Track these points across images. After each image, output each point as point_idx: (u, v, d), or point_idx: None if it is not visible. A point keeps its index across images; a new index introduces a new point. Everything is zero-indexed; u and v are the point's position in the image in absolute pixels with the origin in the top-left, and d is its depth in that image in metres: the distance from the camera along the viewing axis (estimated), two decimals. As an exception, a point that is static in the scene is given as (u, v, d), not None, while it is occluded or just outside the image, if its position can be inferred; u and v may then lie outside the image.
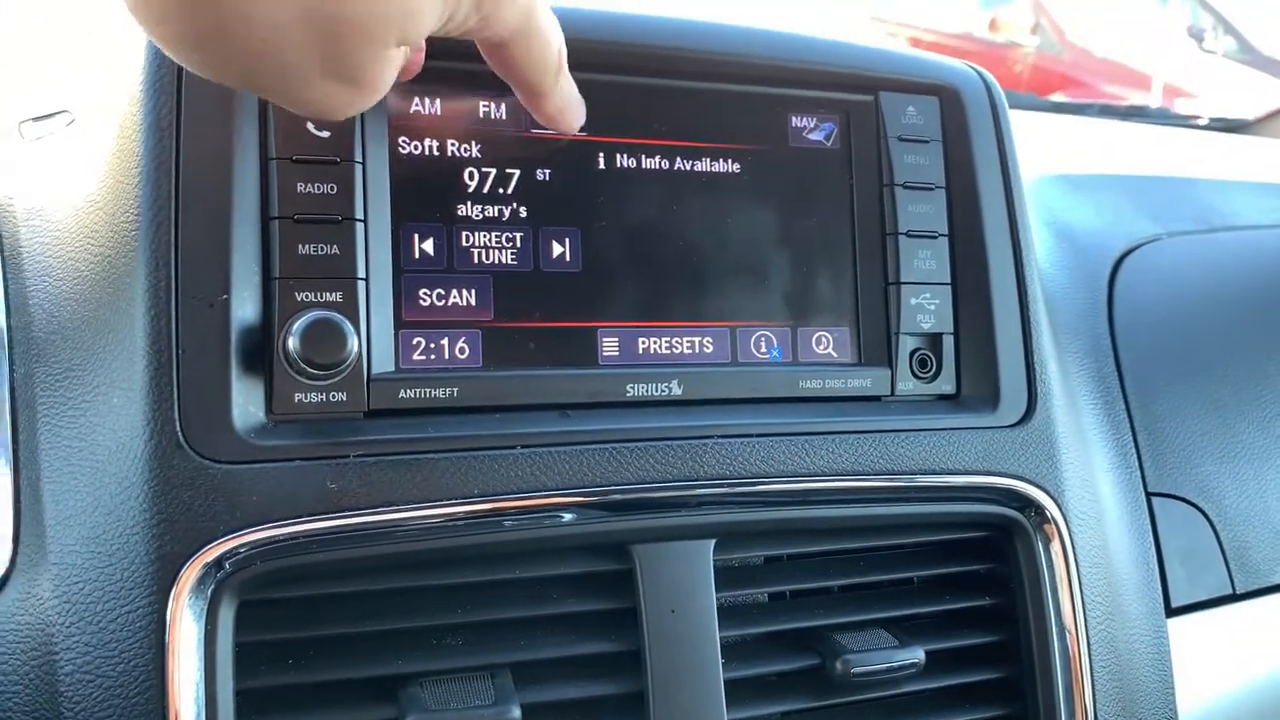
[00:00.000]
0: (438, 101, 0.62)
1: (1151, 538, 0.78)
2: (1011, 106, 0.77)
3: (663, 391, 0.63)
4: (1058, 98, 5.41)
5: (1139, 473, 0.79)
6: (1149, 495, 0.79)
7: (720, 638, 0.62)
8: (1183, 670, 0.75)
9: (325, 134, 0.58)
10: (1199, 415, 0.84)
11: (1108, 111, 1.65)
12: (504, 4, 0.47)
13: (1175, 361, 0.85)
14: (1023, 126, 1.27)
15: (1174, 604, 0.77)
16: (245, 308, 0.56)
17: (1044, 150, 1.16)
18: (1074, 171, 1.04)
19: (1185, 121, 1.68)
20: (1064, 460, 0.70)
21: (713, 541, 0.63)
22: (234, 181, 0.56)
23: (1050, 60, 5.93)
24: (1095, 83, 5.72)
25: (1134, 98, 5.30)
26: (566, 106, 0.56)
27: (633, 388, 0.63)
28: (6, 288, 0.62)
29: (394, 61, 0.45)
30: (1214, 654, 0.78)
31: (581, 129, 0.63)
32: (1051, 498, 0.69)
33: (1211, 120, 1.60)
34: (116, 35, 0.63)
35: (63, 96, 0.72)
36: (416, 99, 0.61)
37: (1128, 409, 0.81)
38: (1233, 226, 1.01)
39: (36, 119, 0.72)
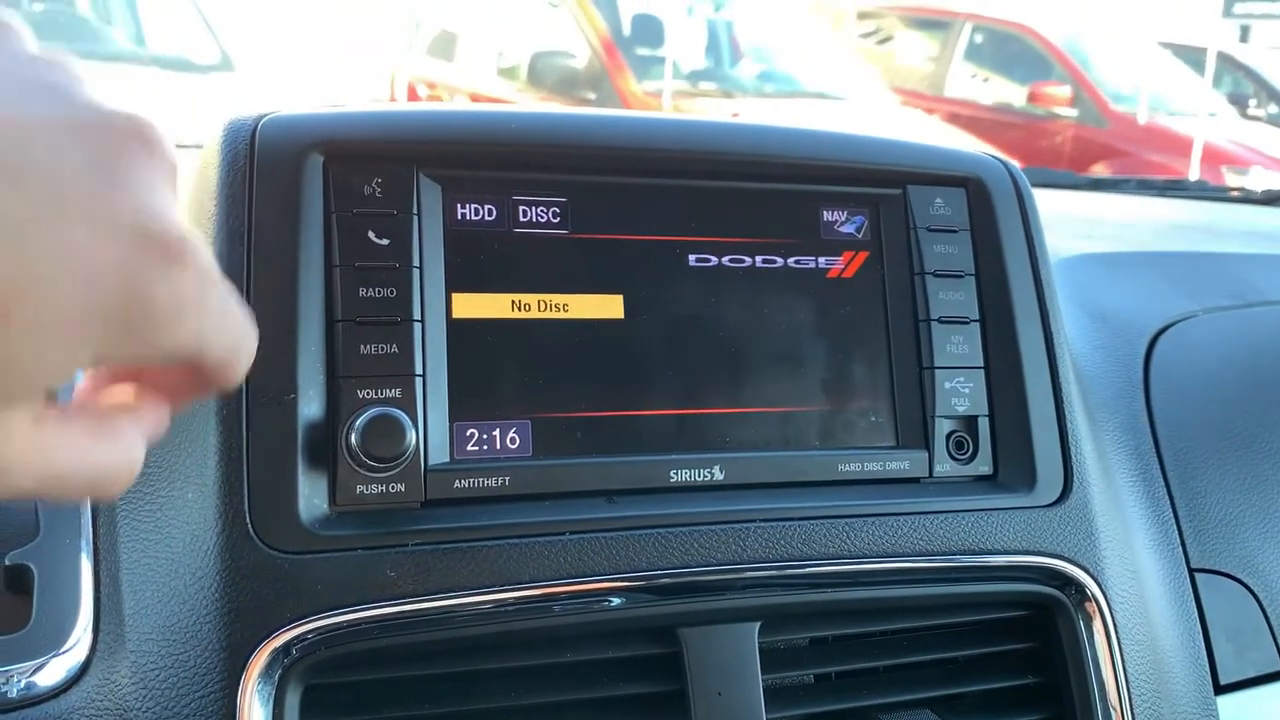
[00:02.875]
0: (488, 206, 0.65)
1: (1196, 614, 0.78)
2: (1047, 185, 0.80)
3: (705, 476, 0.66)
4: (1099, 169, 5.43)
5: (1181, 549, 0.80)
6: (1192, 571, 0.79)
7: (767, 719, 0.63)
8: (1234, 749, 0.75)
9: (385, 241, 0.62)
10: (1240, 490, 0.84)
11: (1145, 186, 1.67)
12: (178, 323, 0.36)
13: (1214, 437, 0.86)
14: (1058, 201, 1.29)
15: (1222, 681, 0.77)
16: (311, 406, 0.60)
17: (1081, 227, 1.19)
18: (1107, 250, 1.06)
19: (1224, 194, 1.69)
20: (1103, 538, 0.71)
21: (758, 624, 0.65)
22: (300, 287, 0.60)
23: (1092, 131, 5.96)
24: (1138, 152, 5.73)
25: (1178, 165, 5.30)
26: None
27: (676, 473, 0.65)
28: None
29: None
30: (1266, 731, 0.78)
31: (623, 230, 0.67)
32: (1091, 576, 0.70)
33: (1249, 192, 1.61)
34: (190, 148, 0.68)
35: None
36: (472, 205, 0.65)
37: (1167, 485, 0.82)
38: (1269, 301, 1.02)
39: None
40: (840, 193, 0.72)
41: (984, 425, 0.72)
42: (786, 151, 0.71)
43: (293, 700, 0.57)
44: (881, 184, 0.73)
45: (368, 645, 0.58)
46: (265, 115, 0.64)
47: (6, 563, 0.61)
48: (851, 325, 0.71)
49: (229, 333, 0.39)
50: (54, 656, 0.58)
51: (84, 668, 0.58)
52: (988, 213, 0.74)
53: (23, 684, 0.57)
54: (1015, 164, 0.76)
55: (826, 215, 0.71)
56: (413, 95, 5.78)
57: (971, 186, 0.74)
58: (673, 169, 0.69)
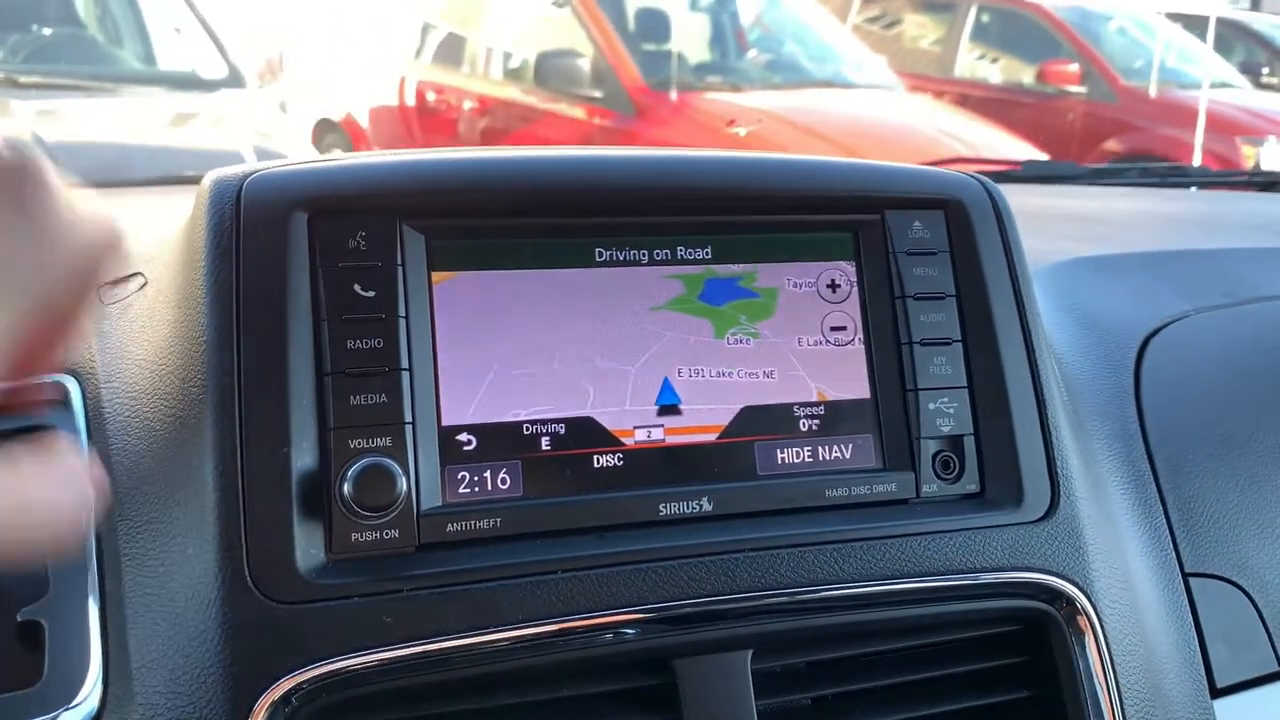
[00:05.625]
0: (475, 254, 0.67)
1: (1191, 619, 0.79)
2: (1046, 178, 0.80)
3: (694, 509, 0.67)
4: (1111, 144, 5.38)
5: (1174, 554, 0.80)
6: (1186, 576, 0.80)
7: (763, 744, 0.65)
8: (1233, 751, 0.76)
9: (371, 294, 0.64)
10: (1233, 492, 0.85)
11: (1146, 174, 1.66)
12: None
13: (1206, 440, 0.87)
14: (1055, 196, 1.29)
15: (1219, 684, 0.78)
16: (304, 458, 0.61)
17: (1074, 227, 1.19)
18: (1099, 252, 1.06)
19: (1225, 178, 1.69)
20: (1092, 551, 0.72)
21: (749, 652, 0.66)
22: (290, 342, 0.62)
23: (1102, 107, 5.92)
24: (1150, 126, 5.68)
25: (1190, 138, 5.25)
26: None
27: (665, 506, 0.67)
28: (90, 444, 0.68)
29: None
30: (1265, 733, 0.79)
31: (602, 262, 0.68)
32: (1080, 589, 0.71)
33: (1250, 176, 1.61)
34: (188, 183, 0.69)
35: (138, 261, 0.79)
36: (454, 254, 0.66)
37: (1159, 491, 0.82)
38: (1263, 297, 1.02)
39: (114, 282, 0.79)
40: (818, 220, 0.73)
41: (969, 444, 0.72)
42: (762, 183, 0.72)
43: (296, 747, 0.59)
44: (859, 210, 0.73)
45: (365, 690, 0.59)
46: (250, 173, 0.66)
47: (19, 619, 0.62)
48: (835, 350, 0.72)
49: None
50: (65, 710, 0.59)
51: (95, 720, 0.60)
52: (967, 234, 0.75)
53: (37, 739, 0.59)
54: (993, 184, 0.77)
55: (804, 243, 0.72)
56: (421, 100, 5.80)
57: (950, 208, 0.75)
58: (652, 207, 0.70)
